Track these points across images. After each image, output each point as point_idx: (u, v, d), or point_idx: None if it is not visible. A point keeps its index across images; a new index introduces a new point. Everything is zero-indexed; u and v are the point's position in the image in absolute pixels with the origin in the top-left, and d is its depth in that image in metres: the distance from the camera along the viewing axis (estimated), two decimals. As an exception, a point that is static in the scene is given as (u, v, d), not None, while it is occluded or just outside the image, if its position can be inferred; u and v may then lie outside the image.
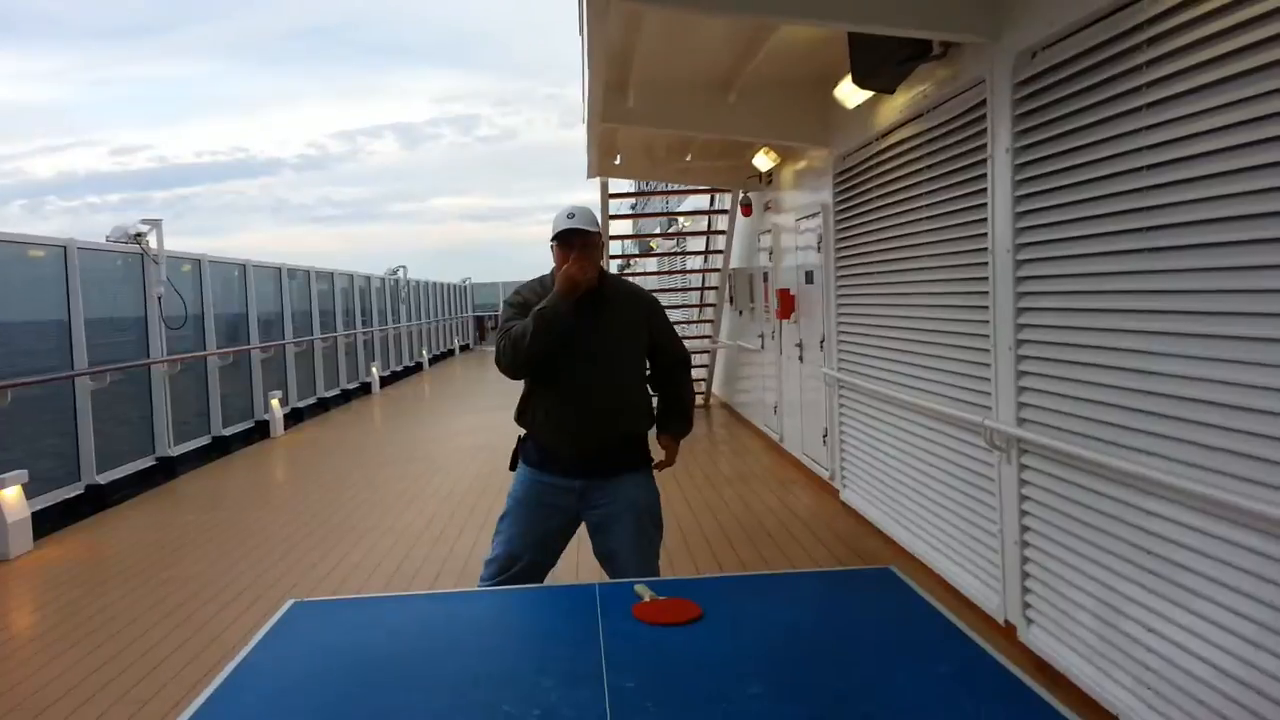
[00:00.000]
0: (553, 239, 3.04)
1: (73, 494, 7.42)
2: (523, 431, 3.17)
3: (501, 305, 3.19)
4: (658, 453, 3.25)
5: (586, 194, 11.65)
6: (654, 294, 3.51)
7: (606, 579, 2.93)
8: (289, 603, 2.24)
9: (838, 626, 2.06)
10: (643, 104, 6.38)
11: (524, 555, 3.04)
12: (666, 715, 1.60)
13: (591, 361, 3.00)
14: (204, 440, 10.10)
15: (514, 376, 3.06)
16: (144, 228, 8.99)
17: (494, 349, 3.11)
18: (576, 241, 3.00)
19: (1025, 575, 3.79)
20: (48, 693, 3.80)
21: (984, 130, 3.94)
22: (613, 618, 2.07)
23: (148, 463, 8.78)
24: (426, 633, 2.10)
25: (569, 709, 1.62)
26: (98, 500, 7.57)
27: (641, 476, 3.16)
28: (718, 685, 1.71)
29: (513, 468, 3.21)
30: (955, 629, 1.97)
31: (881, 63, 4.46)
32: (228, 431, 10.56)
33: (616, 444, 3.07)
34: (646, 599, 2.18)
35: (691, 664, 1.81)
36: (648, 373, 3.27)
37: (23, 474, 6.22)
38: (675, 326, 3.21)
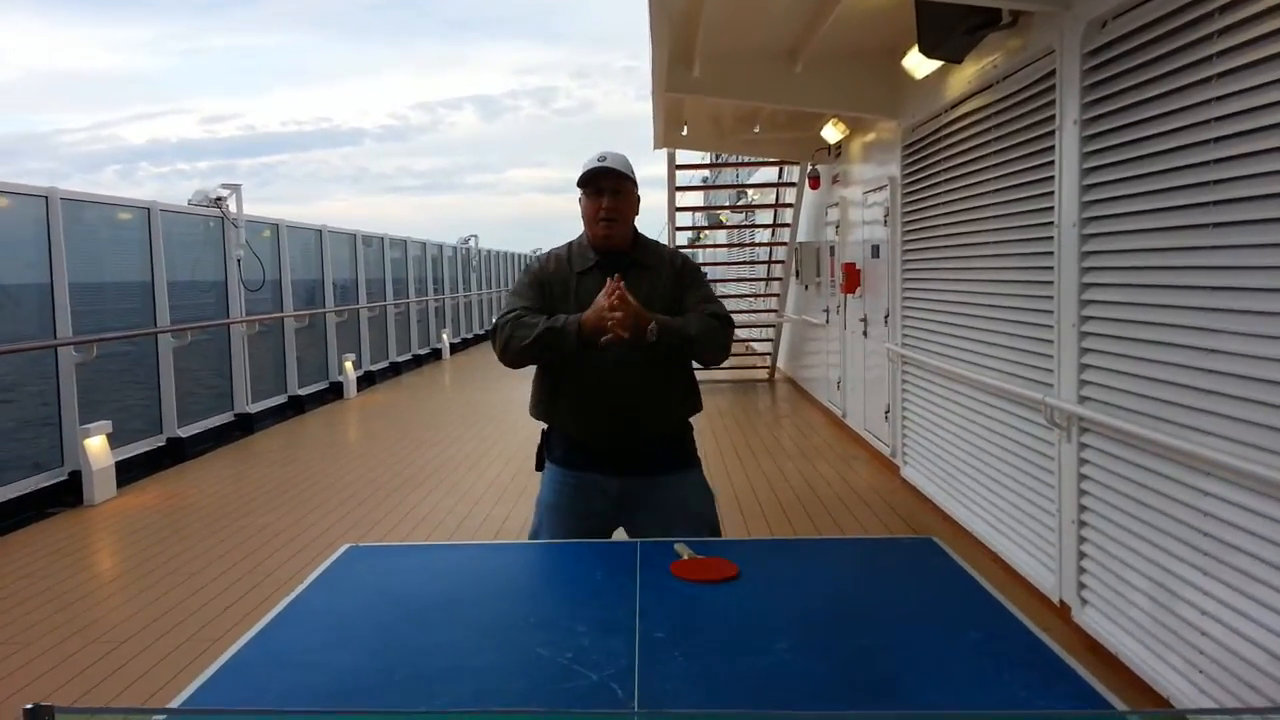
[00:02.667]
0: (579, 183, 2.59)
1: (154, 446, 7.77)
2: (544, 425, 2.71)
3: (517, 277, 2.67)
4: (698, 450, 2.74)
5: (656, 166, 11.62)
6: (708, 267, 2.94)
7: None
8: (344, 546, 2.34)
9: (872, 590, 2.08)
10: (708, 74, 6.34)
11: None
12: (692, 664, 1.65)
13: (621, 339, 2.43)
14: (280, 399, 10.45)
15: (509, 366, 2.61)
16: (224, 192, 9.28)
17: (493, 328, 2.62)
18: (607, 185, 2.55)
19: (1081, 555, 3.75)
20: (122, 629, 4.01)
21: (1052, 101, 3.86)
22: (651, 573, 2.12)
23: (226, 418, 9.14)
24: (471, 579, 2.18)
25: (599, 654, 1.67)
26: (177, 453, 7.91)
27: (691, 476, 2.70)
28: (745, 639, 1.75)
29: (539, 467, 2.74)
30: (990, 597, 1.97)
31: (949, 32, 4.38)
32: (303, 391, 10.91)
33: (655, 434, 2.62)
34: (685, 557, 2.22)
35: (722, 619, 1.85)
36: None
37: (107, 424, 6.53)
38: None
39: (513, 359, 2.53)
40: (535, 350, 2.47)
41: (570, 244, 2.72)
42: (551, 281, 2.62)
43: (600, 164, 2.53)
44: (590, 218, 2.59)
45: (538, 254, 2.81)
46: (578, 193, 2.64)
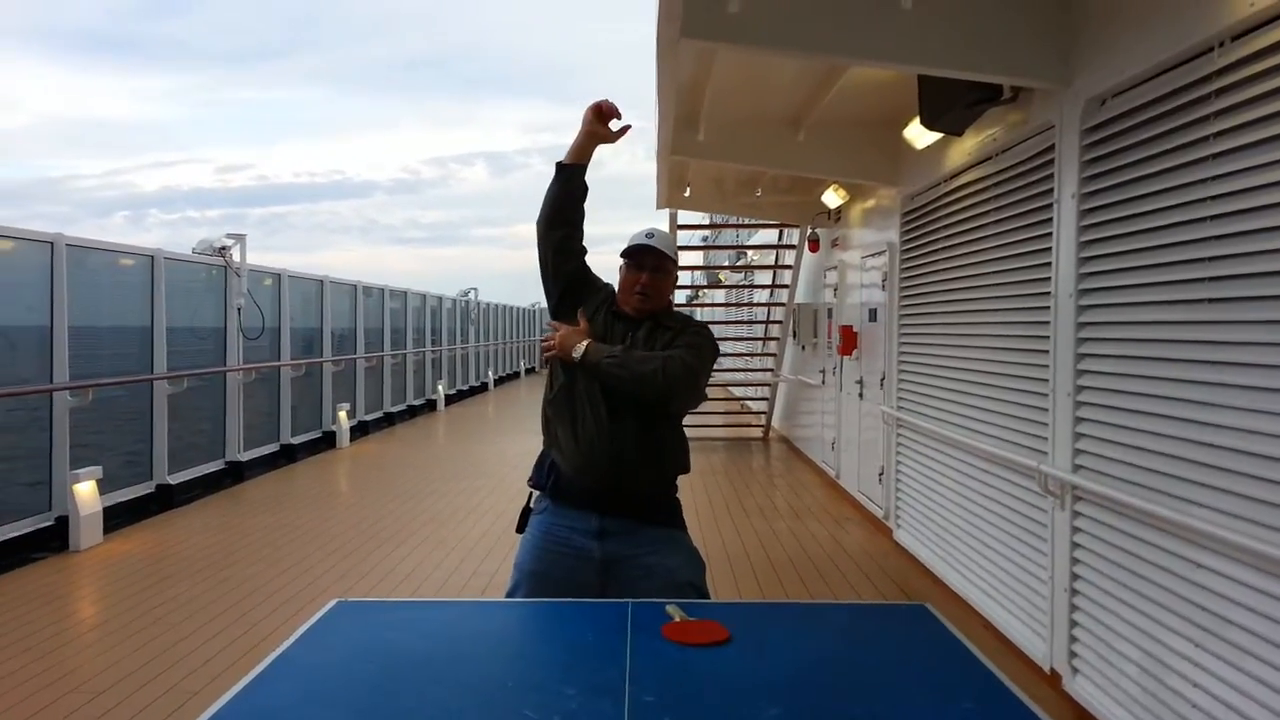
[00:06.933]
0: (623, 254, 2.71)
1: (143, 492, 7.71)
2: (534, 493, 2.78)
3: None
4: (684, 499, 2.77)
5: (658, 224, 11.70)
6: (710, 326, 3.04)
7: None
8: (333, 602, 2.32)
9: (864, 657, 2.06)
10: (713, 138, 6.44)
11: None
12: (682, 730, 1.62)
13: (617, 398, 2.57)
14: (272, 447, 10.41)
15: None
16: (228, 241, 9.35)
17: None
18: (649, 263, 2.67)
19: (1073, 624, 3.72)
20: (103, 679, 3.95)
21: (1051, 175, 3.92)
22: (642, 635, 2.10)
23: (217, 466, 9.09)
24: (460, 637, 2.16)
25: (587, 717, 1.65)
26: (166, 499, 7.85)
27: (678, 538, 2.69)
28: (736, 706, 1.73)
29: (520, 530, 2.76)
30: (982, 666, 1.95)
31: (950, 105, 4.45)
32: (295, 440, 10.86)
33: (643, 493, 2.64)
34: (677, 619, 2.20)
35: (713, 684, 1.83)
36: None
37: (97, 470, 6.49)
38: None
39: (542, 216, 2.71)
40: (549, 195, 2.68)
41: (609, 286, 2.83)
42: (595, 288, 2.76)
43: (647, 240, 2.68)
44: (626, 288, 2.70)
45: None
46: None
